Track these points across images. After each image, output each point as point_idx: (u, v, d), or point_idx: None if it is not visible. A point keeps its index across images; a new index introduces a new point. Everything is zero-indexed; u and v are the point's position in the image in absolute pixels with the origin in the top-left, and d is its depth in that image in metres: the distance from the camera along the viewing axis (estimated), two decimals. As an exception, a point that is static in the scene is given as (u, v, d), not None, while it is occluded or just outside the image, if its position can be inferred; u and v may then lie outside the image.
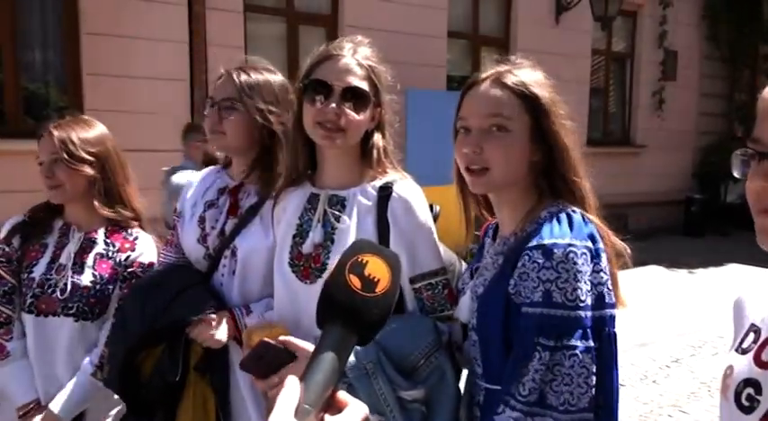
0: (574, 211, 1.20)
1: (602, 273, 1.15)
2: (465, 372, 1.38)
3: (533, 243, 1.15)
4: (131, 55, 5.38)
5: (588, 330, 1.11)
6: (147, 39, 5.45)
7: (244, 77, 1.69)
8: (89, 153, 1.80)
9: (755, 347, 0.91)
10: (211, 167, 1.88)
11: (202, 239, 1.73)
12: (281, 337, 1.19)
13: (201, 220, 1.75)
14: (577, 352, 1.09)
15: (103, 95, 5.30)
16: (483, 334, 1.23)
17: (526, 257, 1.15)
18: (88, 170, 1.79)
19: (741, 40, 10.21)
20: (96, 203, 1.81)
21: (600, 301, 1.13)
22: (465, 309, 1.31)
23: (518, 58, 1.32)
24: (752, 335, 0.94)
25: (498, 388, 1.19)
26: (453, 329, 1.42)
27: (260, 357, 1.29)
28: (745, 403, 0.87)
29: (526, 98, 1.23)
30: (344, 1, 6.61)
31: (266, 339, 1.30)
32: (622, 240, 1.26)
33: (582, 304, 1.10)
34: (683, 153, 10.21)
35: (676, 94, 9.80)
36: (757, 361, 0.89)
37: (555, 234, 1.15)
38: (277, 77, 1.75)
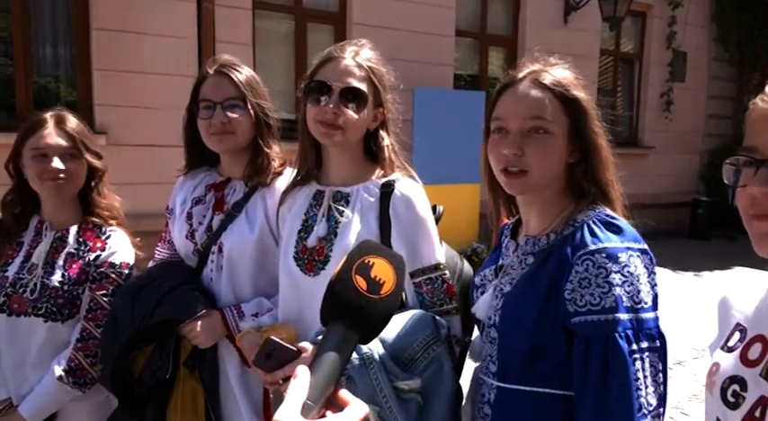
0: (614, 217, 1.19)
1: (654, 275, 1.14)
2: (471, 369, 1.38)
3: (592, 248, 1.11)
4: (141, 51, 5.42)
5: (656, 330, 1.11)
6: (156, 35, 5.48)
7: (240, 76, 1.71)
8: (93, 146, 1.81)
9: (741, 346, 0.95)
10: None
11: (190, 235, 1.76)
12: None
13: (189, 216, 1.78)
14: (657, 353, 1.09)
15: (113, 91, 5.34)
16: (506, 332, 1.22)
17: (589, 263, 1.11)
18: (95, 162, 1.80)
19: (750, 43, 10.13)
20: (95, 196, 1.83)
21: (656, 302, 1.13)
22: (484, 306, 1.30)
23: (551, 58, 1.29)
24: (738, 334, 0.98)
25: (514, 387, 1.18)
26: (452, 324, 1.45)
27: (268, 354, 1.34)
28: (731, 399, 0.91)
29: (566, 100, 1.21)
30: (353, -1, 6.63)
31: (273, 337, 1.35)
32: None
33: (648, 305, 1.10)
34: (691, 155, 10.16)
35: (684, 96, 9.75)
36: (743, 359, 0.93)
37: (611, 238, 1.13)
38: (251, 70, 1.79)
